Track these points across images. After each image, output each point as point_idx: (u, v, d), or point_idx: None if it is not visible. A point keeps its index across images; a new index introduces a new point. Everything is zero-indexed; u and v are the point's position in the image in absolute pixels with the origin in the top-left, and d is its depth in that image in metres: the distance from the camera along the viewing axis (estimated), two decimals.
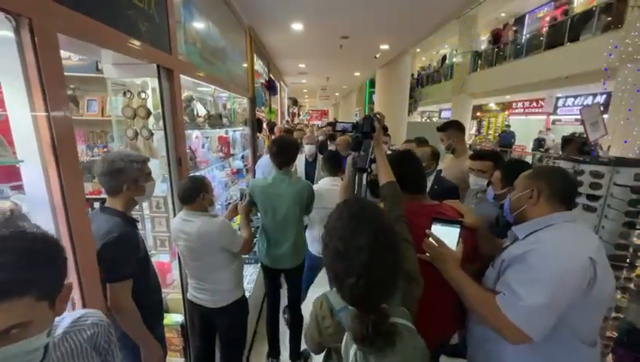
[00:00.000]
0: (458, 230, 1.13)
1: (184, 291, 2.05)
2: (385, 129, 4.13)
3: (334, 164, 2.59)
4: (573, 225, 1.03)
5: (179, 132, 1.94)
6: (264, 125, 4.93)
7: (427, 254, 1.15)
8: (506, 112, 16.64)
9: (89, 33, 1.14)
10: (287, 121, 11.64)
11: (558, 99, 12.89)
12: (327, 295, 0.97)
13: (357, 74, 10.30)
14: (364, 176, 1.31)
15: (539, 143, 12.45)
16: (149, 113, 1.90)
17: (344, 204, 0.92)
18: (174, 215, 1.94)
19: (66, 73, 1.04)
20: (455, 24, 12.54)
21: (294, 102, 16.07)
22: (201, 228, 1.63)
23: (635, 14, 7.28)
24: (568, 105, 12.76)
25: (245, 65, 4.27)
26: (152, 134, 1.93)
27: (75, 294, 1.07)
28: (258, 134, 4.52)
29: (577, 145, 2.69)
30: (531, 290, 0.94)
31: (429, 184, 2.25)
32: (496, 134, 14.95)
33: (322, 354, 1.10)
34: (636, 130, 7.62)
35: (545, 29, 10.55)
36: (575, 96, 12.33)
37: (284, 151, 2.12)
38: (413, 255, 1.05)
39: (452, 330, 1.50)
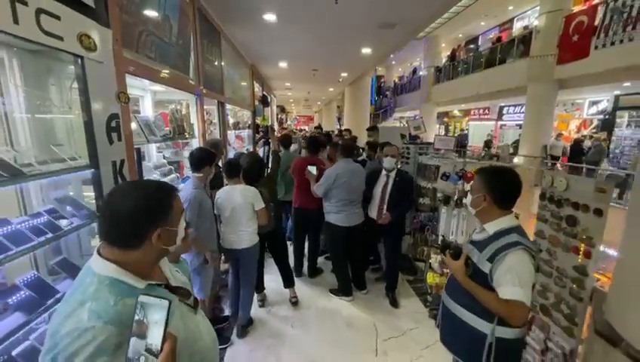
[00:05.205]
0: (315, 168, 3.27)
1: None
2: (351, 134, 6.33)
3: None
4: (344, 163, 3.13)
5: (225, 132, 4.07)
6: (260, 128, 7.07)
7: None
8: (467, 118, 19.30)
9: (210, 96, 3.30)
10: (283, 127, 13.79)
11: (502, 107, 15.53)
12: None
13: (331, 89, 12.72)
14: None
15: (486, 144, 15.09)
16: (211, 122, 4.02)
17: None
18: None
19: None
20: (422, 42, 14.99)
21: (282, 109, 18.22)
22: None
23: (536, 46, 9.68)
24: (511, 113, 15.43)
25: (248, 89, 6.43)
26: (212, 131, 4.04)
27: None
28: (257, 134, 6.66)
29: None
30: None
31: None
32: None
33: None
34: (540, 132, 10.06)
35: (484, 52, 13.00)
36: (515, 105, 14.99)
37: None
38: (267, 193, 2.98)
39: (315, 200, 3.26)
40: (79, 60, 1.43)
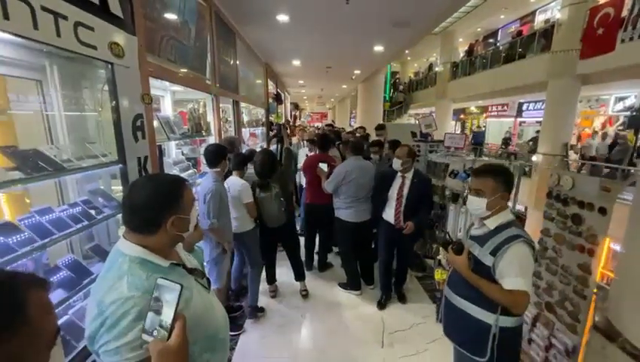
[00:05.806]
0: (326, 165, 3.34)
1: None
2: (365, 131, 6.38)
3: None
4: (353, 161, 3.19)
5: (239, 129, 4.22)
6: (273, 126, 7.22)
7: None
8: (484, 115, 18.77)
9: (225, 95, 3.45)
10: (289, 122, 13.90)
11: (521, 104, 15.03)
12: None
13: (344, 86, 12.74)
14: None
15: (505, 141, 14.69)
16: (226, 120, 4.18)
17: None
18: None
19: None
20: (438, 37, 14.71)
21: (296, 106, 18.33)
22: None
23: (558, 40, 9.32)
24: (530, 110, 14.91)
25: (262, 87, 6.58)
26: (227, 129, 4.20)
27: None
28: (270, 132, 6.81)
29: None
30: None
31: None
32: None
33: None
34: (560, 128, 9.70)
35: (503, 47, 12.59)
36: (535, 102, 14.46)
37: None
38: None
39: (326, 196, 3.35)
40: (109, 66, 1.58)
